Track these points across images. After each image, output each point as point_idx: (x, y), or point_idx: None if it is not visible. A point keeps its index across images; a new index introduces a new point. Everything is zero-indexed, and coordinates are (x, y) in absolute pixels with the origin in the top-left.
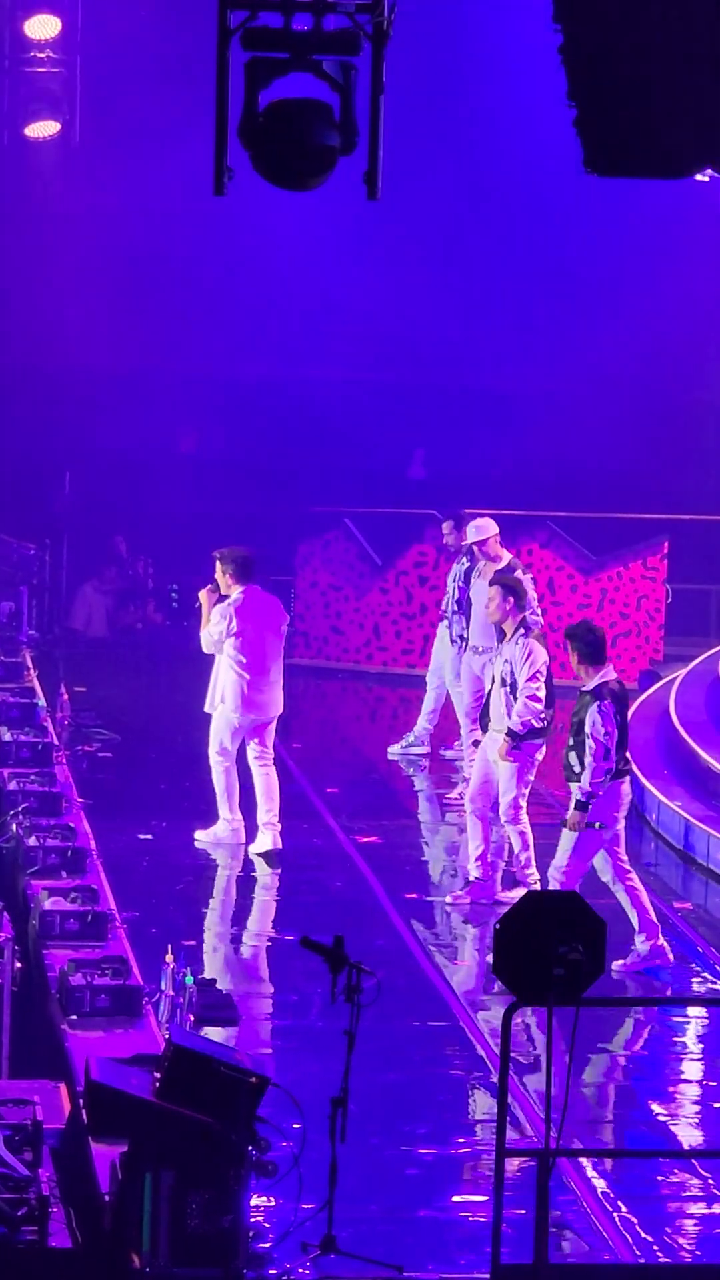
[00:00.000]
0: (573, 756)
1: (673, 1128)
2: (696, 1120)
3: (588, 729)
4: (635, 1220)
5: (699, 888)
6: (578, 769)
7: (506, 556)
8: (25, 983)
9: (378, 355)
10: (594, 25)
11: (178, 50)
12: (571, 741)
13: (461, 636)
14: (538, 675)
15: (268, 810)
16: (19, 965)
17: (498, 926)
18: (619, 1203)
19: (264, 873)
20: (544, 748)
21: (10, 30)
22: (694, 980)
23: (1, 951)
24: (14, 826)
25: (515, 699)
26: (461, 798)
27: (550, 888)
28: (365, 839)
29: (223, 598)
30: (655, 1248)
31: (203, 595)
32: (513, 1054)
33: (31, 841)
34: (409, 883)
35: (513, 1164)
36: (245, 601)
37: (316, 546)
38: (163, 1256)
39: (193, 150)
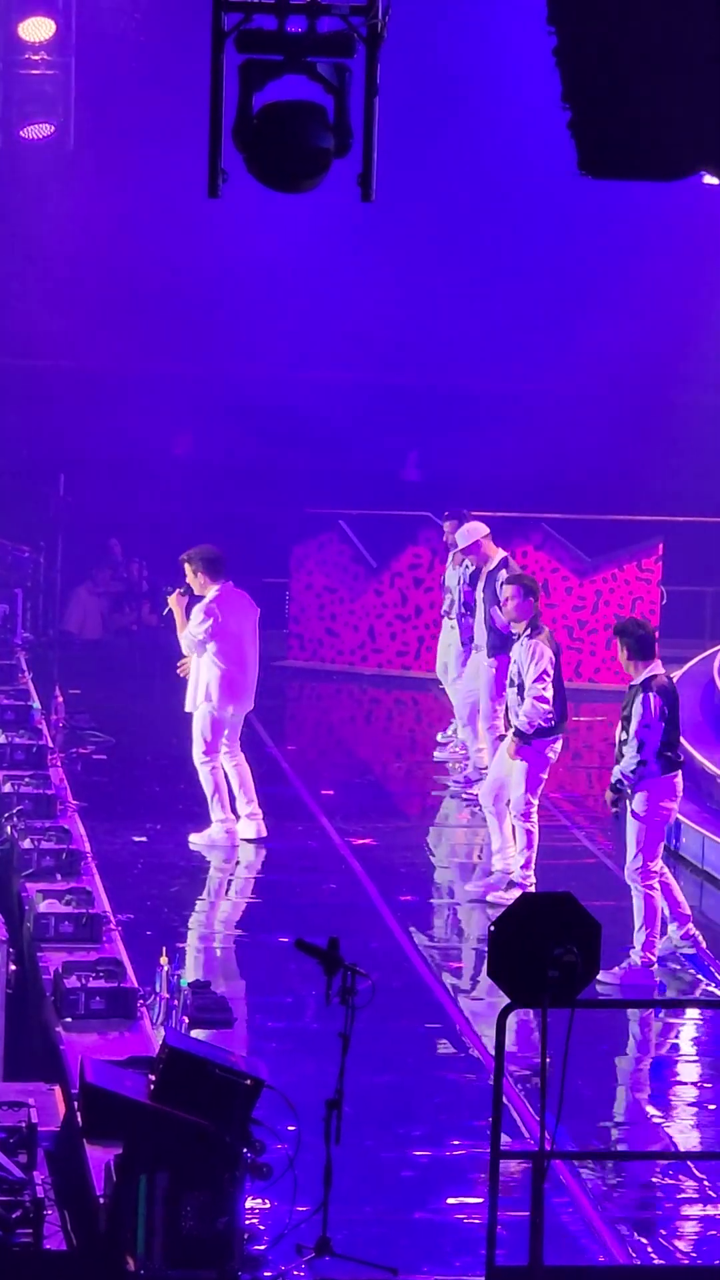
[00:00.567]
0: (624, 748)
1: (668, 1130)
2: (692, 1122)
3: (634, 721)
4: (630, 1222)
5: (694, 890)
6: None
7: (498, 554)
8: (20, 985)
9: (372, 357)
10: (589, 27)
11: (172, 52)
12: (622, 735)
13: (471, 638)
14: (544, 675)
15: (247, 801)
16: (13, 967)
17: (493, 928)
18: (614, 1205)
19: (259, 875)
20: (558, 743)
21: (4, 32)
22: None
23: None
24: (8, 829)
25: (523, 699)
26: (477, 792)
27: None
28: (360, 841)
29: (196, 599)
30: (650, 1250)
31: (172, 600)
32: (507, 1056)
33: (26, 844)
34: (404, 885)
35: (508, 1166)
36: (222, 597)
37: (311, 549)
38: (157, 1259)
39: (187, 153)
